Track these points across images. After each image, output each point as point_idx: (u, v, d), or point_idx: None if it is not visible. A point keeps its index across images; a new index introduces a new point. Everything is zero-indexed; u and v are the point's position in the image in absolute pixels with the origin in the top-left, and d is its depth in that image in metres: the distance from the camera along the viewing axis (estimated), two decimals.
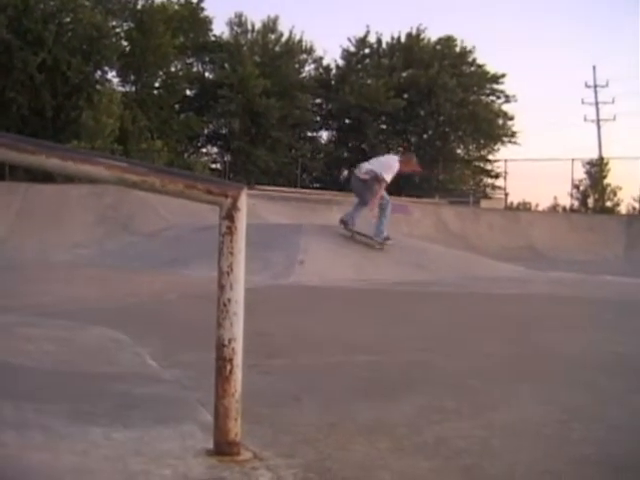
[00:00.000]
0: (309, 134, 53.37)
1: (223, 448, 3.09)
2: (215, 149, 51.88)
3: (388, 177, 14.58)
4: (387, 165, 14.89)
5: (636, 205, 40.90)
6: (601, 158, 45.66)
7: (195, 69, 49.47)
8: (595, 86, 55.11)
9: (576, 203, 43.13)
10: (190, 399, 4.19)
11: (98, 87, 40.58)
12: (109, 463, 2.97)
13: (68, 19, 39.55)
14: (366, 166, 14.96)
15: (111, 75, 43.86)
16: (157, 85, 46.09)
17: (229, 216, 2.97)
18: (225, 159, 49.06)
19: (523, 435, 3.87)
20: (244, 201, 2.99)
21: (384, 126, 52.64)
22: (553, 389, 4.97)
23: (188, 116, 45.61)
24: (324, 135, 54.74)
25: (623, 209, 42.15)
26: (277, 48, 49.17)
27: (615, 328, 8.22)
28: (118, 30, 43.32)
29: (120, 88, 43.51)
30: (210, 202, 3.04)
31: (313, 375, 5.16)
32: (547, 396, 4.75)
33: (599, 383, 5.21)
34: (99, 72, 42.35)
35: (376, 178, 14.57)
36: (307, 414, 4.08)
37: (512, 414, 4.27)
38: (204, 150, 51.78)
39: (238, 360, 3.01)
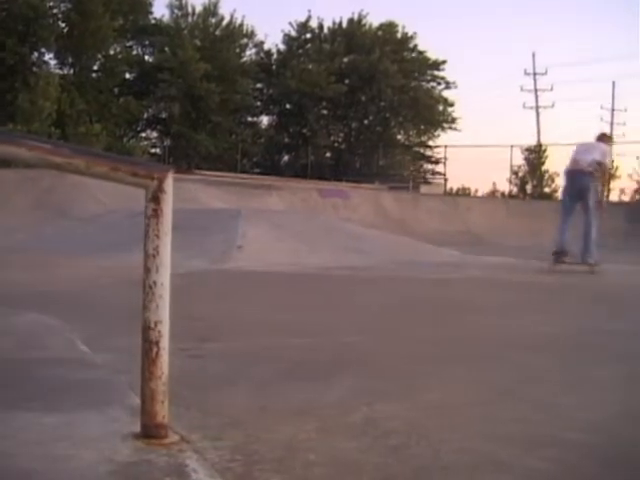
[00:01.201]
0: (250, 119, 53.23)
1: (150, 431, 3.08)
2: (155, 133, 51.51)
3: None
4: (604, 152, 12.69)
5: None
6: (539, 145, 46.25)
7: (135, 52, 48.94)
8: (534, 73, 55.84)
9: (515, 189, 43.67)
10: (120, 383, 4.17)
11: (35, 69, 39.90)
12: (32, 448, 2.95)
13: None
14: (585, 157, 12.54)
15: (48, 57, 43.21)
16: (96, 68, 45.47)
17: (155, 198, 2.95)
18: (165, 144, 48.68)
19: (452, 415, 3.92)
20: (170, 183, 2.98)
21: (325, 111, 52.71)
22: (484, 370, 5.05)
23: (127, 100, 45.07)
24: (265, 120, 54.73)
25: (561, 195, 42.67)
26: (218, 32, 48.81)
27: (547, 310, 8.38)
28: (55, 11, 42.60)
29: (58, 70, 42.85)
30: (136, 184, 3.01)
31: (245, 358, 5.17)
32: (478, 377, 4.82)
33: (529, 363, 5.30)
34: (36, 54, 41.66)
35: (601, 169, 12.71)
36: (237, 397, 4.08)
37: (442, 395, 4.32)
38: (144, 134, 51.37)
39: (164, 343, 3.01)
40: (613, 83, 54.98)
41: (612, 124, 51.85)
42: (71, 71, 43.85)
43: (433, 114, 53.03)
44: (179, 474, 2.74)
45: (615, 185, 40.11)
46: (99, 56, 44.95)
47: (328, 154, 52.70)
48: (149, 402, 3.05)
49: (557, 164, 45.28)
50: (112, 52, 45.86)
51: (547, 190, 43.19)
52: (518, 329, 6.92)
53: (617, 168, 39.99)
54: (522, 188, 43.53)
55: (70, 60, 43.55)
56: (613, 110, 52.70)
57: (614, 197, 39.49)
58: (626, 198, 39.19)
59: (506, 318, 7.63)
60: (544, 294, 10.27)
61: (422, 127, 54.55)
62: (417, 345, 5.93)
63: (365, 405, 3.97)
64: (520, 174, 43.43)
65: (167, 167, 3.00)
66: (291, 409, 3.86)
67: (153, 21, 48.03)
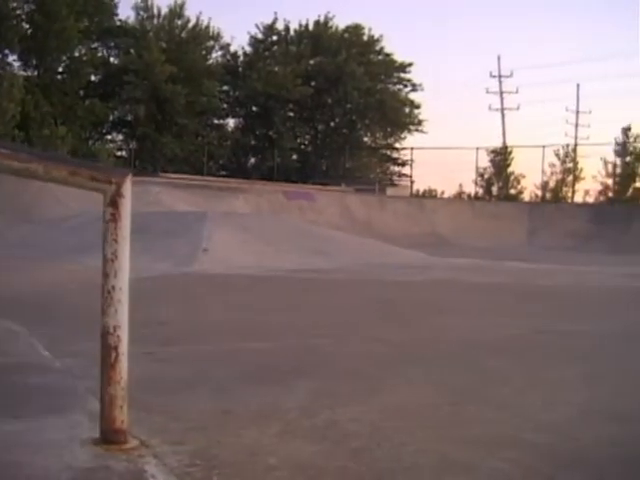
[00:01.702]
0: (216, 121, 52.96)
1: (109, 436, 3.06)
2: (120, 136, 51.08)
3: None
4: None
5: (539, 192, 41.79)
6: (505, 147, 46.50)
7: (100, 54, 48.51)
8: (499, 76, 56.19)
9: (481, 191, 43.87)
10: (80, 388, 4.15)
11: None
12: None
13: None
14: None
15: (12, 59, 42.66)
16: (61, 70, 45.03)
17: (113, 203, 2.94)
18: (130, 146, 48.36)
19: (414, 417, 3.93)
20: (129, 188, 2.97)
21: (291, 113, 52.62)
22: (446, 372, 5.07)
23: (93, 102, 44.67)
24: (231, 122, 54.46)
25: (526, 196, 43.03)
26: (184, 34, 48.57)
27: (511, 312, 8.43)
28: (19, 12, 42.13)
29: (22, 72, 42.38)
30: (94, 189, 3.00)
31: (209, 362, 5.16)
32: (440, 379, 4.85)
33: (491, 365, 5.34)
34: None
35: None
36: (200, 401, 4.07)
37: (404, 397, 4.34)
38: (109, 137, 50.93)
39: (123, 348, 2.99)
40: (578, 85, 55.34)
41: (577, 126, 52.26)
42: (35, 73, 43.43)
43: (399, 116, 53.10)
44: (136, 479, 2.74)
45: (579, 187, 40.38)
46: (64, 58, 44.55)
47: (294, 156, 52.62)
48: (108, 407, 3.04)
49: (522, 166, 45.63)
50: (77, 54, 45.44)
51: (513, 191, 43.42)
52: (481, 330, 6.96)
53: (581, 170, 40.33)
54: (488, 190, 43.74)
55: (34, 62, 43.13)
56: (578, 112, 53.11)
57: (578, 198, 39.84)
58: (590, 199, 39.48)
59: (470, 319, 7.68)
60: (509, 295, 10.33)
61: (388, 129, 54.60)
62: (380, 347, 5.95)
63: (327, 408, 3.98)
64: (486, 176, 43.65)
65: (125, 171, 2.99)
66: (253, 413, 3.86)
67: (118, 23, 47.70)
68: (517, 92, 55.31)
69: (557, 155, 41.07)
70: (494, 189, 43.97)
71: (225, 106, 52.41)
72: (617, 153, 38.36)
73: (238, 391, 4.34)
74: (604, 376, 5.11)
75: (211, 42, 50.20)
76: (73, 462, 2.86)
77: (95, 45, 48.01)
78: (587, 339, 6.61)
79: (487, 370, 5.17)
